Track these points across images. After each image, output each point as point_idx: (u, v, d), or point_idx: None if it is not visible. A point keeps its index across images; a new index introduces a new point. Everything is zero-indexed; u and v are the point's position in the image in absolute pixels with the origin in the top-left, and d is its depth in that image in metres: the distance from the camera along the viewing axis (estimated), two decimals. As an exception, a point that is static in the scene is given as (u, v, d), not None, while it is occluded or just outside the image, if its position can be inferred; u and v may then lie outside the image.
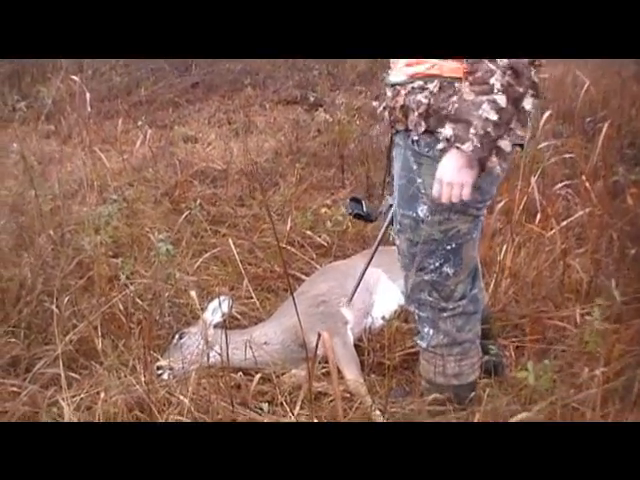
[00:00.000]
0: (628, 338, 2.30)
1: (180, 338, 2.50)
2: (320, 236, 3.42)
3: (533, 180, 3.09)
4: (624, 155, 4.13)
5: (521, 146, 1.88)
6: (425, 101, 1.76)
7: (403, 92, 1.82)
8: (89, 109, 3.91)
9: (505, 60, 1.60)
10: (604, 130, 3.31)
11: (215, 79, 6.63)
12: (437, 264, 1.91)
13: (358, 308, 2.63)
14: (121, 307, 2.60)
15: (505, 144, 1.72)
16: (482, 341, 2.12)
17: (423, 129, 1.78)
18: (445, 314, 1.97)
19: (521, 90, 1.65)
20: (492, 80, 1.61)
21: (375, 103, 2.07)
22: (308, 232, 3.45)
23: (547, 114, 3.41)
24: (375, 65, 6.66)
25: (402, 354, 2.49)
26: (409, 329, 2.57)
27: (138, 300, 2.66)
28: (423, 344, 2.05)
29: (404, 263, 1.99)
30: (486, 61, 1.62)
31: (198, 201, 3.58)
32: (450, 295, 1.96)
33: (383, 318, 2.62)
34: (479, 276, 2.09)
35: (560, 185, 3.35)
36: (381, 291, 2.71)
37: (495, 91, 1.61)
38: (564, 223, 3.03)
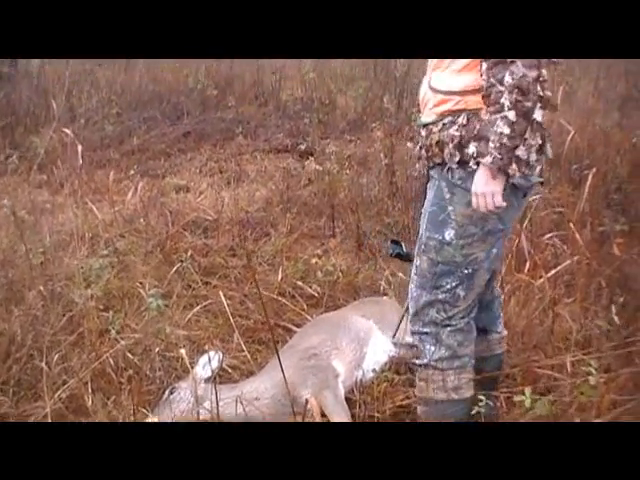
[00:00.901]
0: (618, 388, 2.30)
1: (170, 393, 2.48)
2: (311, 286, 3.42)
3: (522, 229, 3.13)
4: (611, 200, 4.18)
5: (541, 183, 2.14)
6: (457, 134, 1.94)
7: (436, 130, 2.01)
8: (80, 161, 3.95)
9: (510, 81, 1.77)
10: (590, 178, 3.36)
11: (207, 128, 6.68)
12: (453, 284, 2.07)
13: (349, 361, 2.62)
14: (111, 362, 2.59)
15: (522, 152, 1.88)
16: (478, 392, 2.16)
17: (458, 159, 1.95)
18: (449, 329, 2.11)
19: (529, 105, 1.80)
20: (502, 100, 1.80)
21: (410, 144, 2.21)
22: (299, 282, 3.45)
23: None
24: (365, 113, 6.78)
25: (393, 407, 2.48)
26: (400, 382, 2.57)
27: (129, 354, 2.65)
28: (423, 360, 2.14)
29: (421, 282, 2.13)
30: (497, 84, 1.80)
31: (189, 252, 3.59)
32: (454, 315, 2.11)
33: (374, 370, 2.61)
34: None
35: (549, 235, 3.39)
36: (373, 343, 2.70)
37: (505, 109, 1.79)
38: (553, 272, 3.05)
